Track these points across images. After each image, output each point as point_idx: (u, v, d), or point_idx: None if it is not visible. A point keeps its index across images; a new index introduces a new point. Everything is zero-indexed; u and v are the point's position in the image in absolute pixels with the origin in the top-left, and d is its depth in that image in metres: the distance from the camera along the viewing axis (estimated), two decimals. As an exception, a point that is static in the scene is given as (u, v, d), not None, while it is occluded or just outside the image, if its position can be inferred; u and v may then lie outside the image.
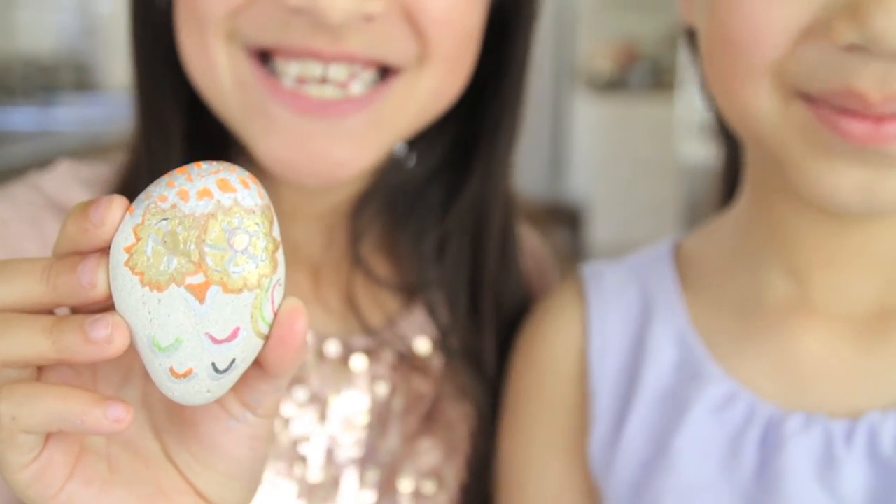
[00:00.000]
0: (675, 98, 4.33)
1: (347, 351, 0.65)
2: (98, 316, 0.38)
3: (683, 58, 4.19)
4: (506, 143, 0.68)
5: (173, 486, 0.44)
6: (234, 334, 0.39)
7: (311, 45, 0.56)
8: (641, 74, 4.59)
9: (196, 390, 0.40)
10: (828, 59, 0.51)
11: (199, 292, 0.38)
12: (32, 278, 0.39)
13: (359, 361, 0.65)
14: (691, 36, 0.66)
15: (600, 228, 4.09)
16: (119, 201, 0.38)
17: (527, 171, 0.73)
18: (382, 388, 0.66)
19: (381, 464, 0.65)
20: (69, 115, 3.65)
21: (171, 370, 0.39)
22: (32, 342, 0.38)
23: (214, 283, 0.38)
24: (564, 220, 3.00)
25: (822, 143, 0.52)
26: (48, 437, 0.40)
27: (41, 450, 0.40)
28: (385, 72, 0.59)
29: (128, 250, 0.38)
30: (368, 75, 0.59)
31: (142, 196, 0.39)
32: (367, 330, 0.66)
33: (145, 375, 0.44)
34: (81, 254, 0.39)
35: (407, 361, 0.66)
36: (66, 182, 0.65)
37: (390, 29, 0.57)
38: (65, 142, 3.01)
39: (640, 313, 0.65)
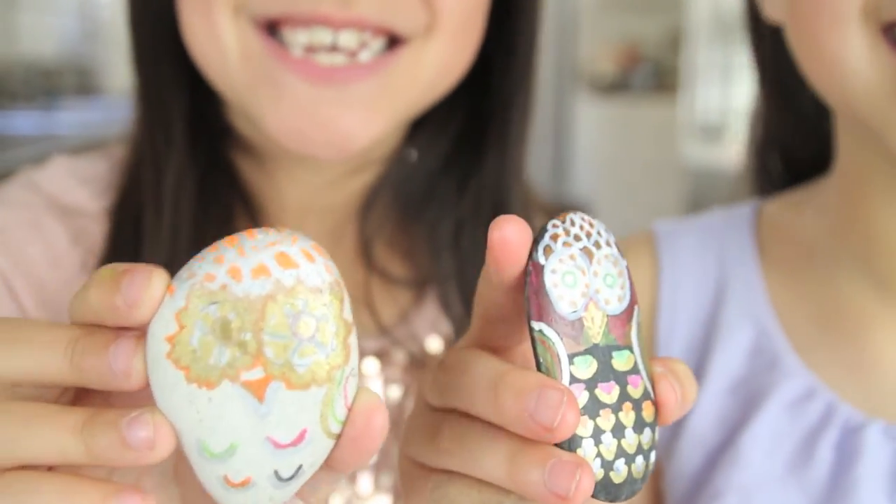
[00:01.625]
0: (678, 100, 4.32)
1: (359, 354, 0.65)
2: (136, 414, 0.32)
3: (685, 59, 4.18)
4: (518, 125, 0.67)
5: None
6: (301, 437, 0.33)
7: (321, 11, 0.56)
8: (644, 76, 4.58)
9: (255, 500, 0.34)
10: None
11: (257, 389, 0.32)
12: (53, 351, 0.33)
13: (370, 365, 0.64)
14: (754, 20, 0.64)
15: (603, 230, 4.08)
16: (159, 278, 0.32)
17: (529, 173, 0.72)
18: (395, 391, 0.64)
19: (394, 467, 0.64)
20: (71, 119, 3.65)
21: (226, 479, 0.33)
22: (60, 444, 0.32)
23: (276, 379, 0.32)
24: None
25: None
26: None
27: None
28: (393, 43, 0.59)
29: (170, 340, 0.32)
30: (377, 44, 0.58)
31: (183, 273, 0.33)
32: (381, 328, 0.65)
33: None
34: (111, 328, 0.33)
35: (418, 363, 0.65)
36: (65, 179, 0.64)
37: None
38: (67, 146, 3.01)
39: (716, 285, 0.62)
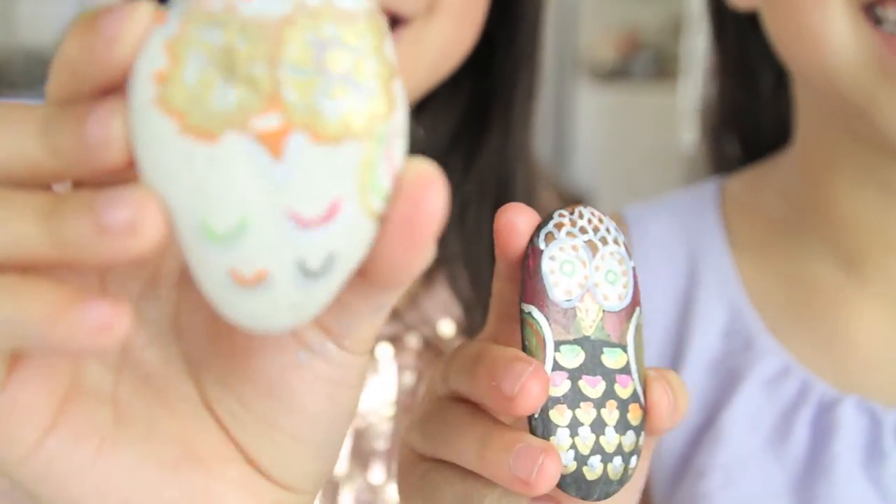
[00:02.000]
0: (679, 86, 4.31)
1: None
2: (114, 190, 0.24)
3: (686, 46, 4.17)
4: (522, 104, 0.66)
5: (212, 447, 0.30)
6: (333, 211, 0.25)
7: None
8: (644, 63, 4.57)
9: (273, 306, 0.25)
10: None
11: (273, 142, 0.24)
12: (28, 133, 0.25)
13: (384, 350, 0.64)
14: (717, 10, 0.64)
15: (604, 217, 4.08)
16: (143, 5, 0.24)
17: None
18: (408, 377, 0.64)
19: None
20: (71, 108, 3.65)
21: (233, 273, 0.24)
22: (21, 233, 0.24)
23: (297, 128, 0.24)
24: (568, 208, 2.99)
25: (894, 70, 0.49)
26: (13, 366, 0.27)
27: (2, 385, 0.26)
28: (394, 23, 0.58)
29: (158, 79, 0.24)
30: None
31: None
32: (393, 312, 0.64)
33: (178, 284, 0.30)
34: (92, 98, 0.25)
35: (432, 347, 0.65)
36: None
37: None
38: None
39: (687, 266, 0.62)
